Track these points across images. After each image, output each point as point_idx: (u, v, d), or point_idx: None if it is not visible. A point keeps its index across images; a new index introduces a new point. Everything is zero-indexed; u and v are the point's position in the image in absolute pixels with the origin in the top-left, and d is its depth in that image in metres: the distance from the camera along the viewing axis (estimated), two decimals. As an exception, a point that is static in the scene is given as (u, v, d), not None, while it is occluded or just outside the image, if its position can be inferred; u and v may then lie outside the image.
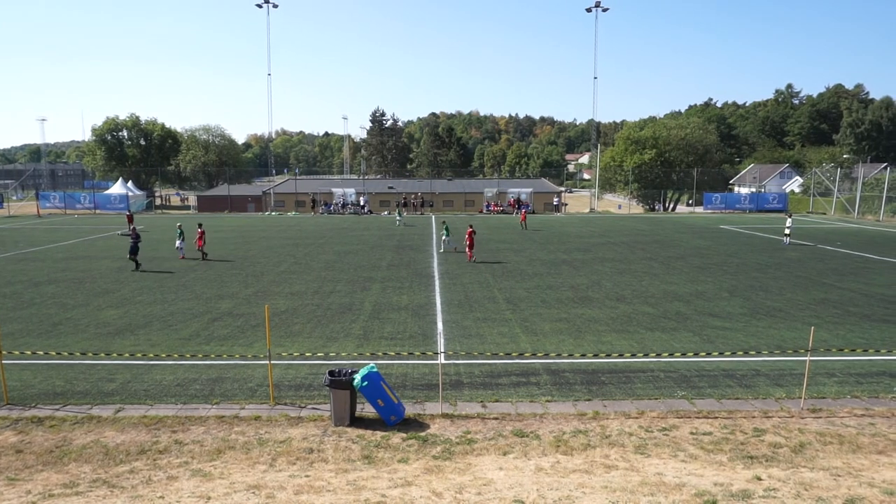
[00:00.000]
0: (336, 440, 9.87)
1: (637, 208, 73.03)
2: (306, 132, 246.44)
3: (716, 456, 9.12)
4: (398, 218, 48.68)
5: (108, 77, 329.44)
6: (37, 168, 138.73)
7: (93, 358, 13.83)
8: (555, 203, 64.67)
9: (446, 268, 26.36)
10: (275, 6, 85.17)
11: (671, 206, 76.04)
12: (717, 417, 10.66)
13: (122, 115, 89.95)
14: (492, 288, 21.98)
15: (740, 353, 14.10)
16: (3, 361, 11.84)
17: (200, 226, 29.78)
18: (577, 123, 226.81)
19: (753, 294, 20.74)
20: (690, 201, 70.69)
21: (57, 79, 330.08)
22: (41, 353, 13.78)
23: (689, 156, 73.26)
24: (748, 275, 24.42)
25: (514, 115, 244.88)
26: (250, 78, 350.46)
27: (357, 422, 10.58)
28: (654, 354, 14.09)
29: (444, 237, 31.73)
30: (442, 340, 12.03)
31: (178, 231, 29.86)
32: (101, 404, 11.49)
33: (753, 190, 78.77)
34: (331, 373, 10.57)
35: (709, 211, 60.63)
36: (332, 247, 33.83)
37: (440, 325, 16.82)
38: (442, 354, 11.67)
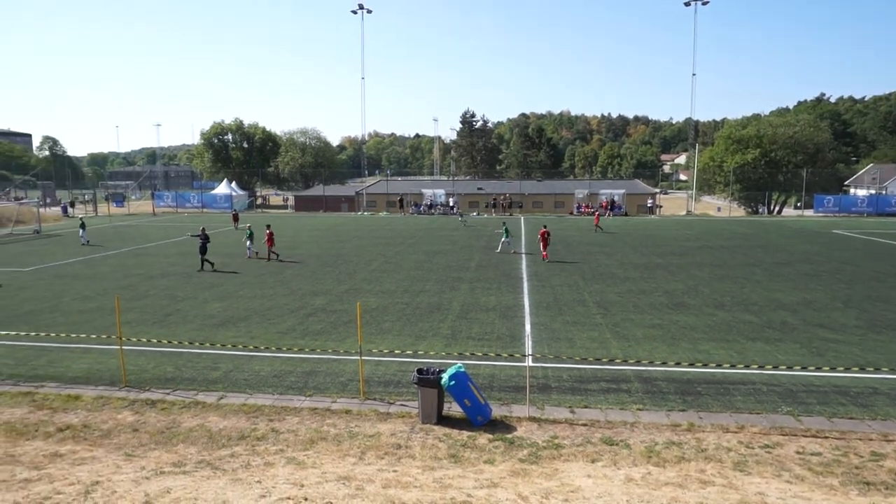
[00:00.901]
0: (423, 437, 9.99)
1: (738, 211, 69.15)
2: (398, 134, 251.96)
3: (826, 479, 8.46)
4: (461, 218, 49.23)
5: (214, 83, 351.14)
6: (152, 170, 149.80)
7: (199, 347, 14.75)
8: (649, 205, 62.47)
9: (535, 269, 26.09)
10: (369, 11, 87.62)
11: (777, 208, 71.42)
12: (827, 437, 9.89)
13: (227, 120, 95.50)
14: (581, 291, 21.52)
15: (855, 368, 13.02)
16: (123, 347, 12.90)
17: (269, 227, 30.48)
18: (674, 122, 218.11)
19: (871, 305, 19.11)
20: (799, 204, 66.13)
21: (171, 86, 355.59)
22: (154, 340, 14.86)
23: (797, 155, 68.44)
24: (865, 284, 22.52)
25: (606, 114, 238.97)
26: (345, 81, 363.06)
27: (444, 420, 10.66)
28: (755, 366, 13.28)
29: (503, 238, 31.69)
30: (530, 343, 11.89)
31: (248, 231, 30.87)
32: (206, 391, 12.24)
33: (872, 192, 72.62)
34: (419, 371, 10.72)
35: (820, 214, 56.53)
36: (422, 247, 34.33)
37: (528, 328, 16.66)
38: (529, 357, 11.54)
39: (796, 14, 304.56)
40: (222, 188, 73.72)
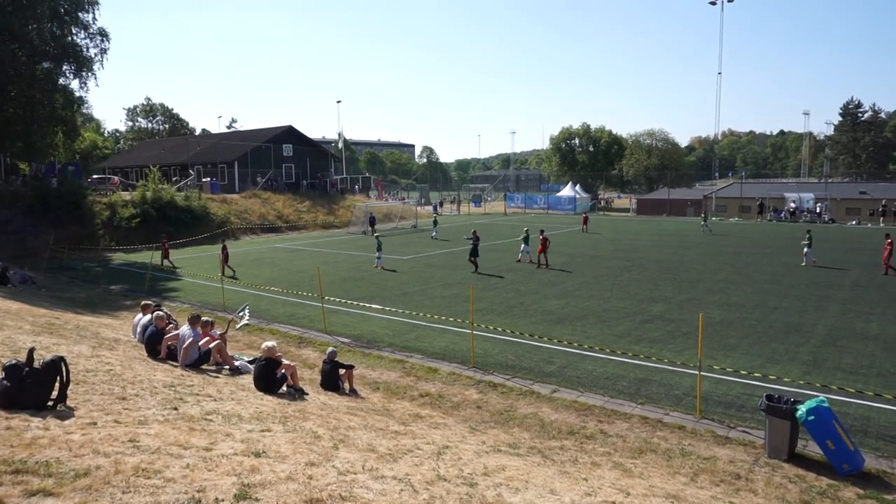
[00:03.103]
0: (769, 473, 8.80)
1: None
2: (756, 132, 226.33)
3: None
4: (704, 222, 45.29)
5: (565, 90, 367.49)
6: (506, 174, 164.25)
7: (537, 340, 15.62)
8: None
9: (939, 295, 20.67)
10: (729, 1, 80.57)
11: None
12: None
13: (575, 125, 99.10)
14: None
15: None
16: (474, 332, 14.49)
17: (542, 232, 29.37)
18: None
19: None
20: None
21: (525, 94, 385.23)
22: (499, 329, 16.29)
23: None
24: None
25: None
26: (698, 79, 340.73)
27: (796, 459, 9.22)
28: None
29: (805, 249, 27.63)
30: (926, 386, 9.45)
31: (525, 234, 30.46)
32: (541, 382, 12.91)
33: None
34: (768, 397, 9.47)
35: None
36: (780, 258, 30.32)
37: (924, 367, 13.29)
38: (925, 403, 9.17)
39: None
40: (567, 191, 76.98)
